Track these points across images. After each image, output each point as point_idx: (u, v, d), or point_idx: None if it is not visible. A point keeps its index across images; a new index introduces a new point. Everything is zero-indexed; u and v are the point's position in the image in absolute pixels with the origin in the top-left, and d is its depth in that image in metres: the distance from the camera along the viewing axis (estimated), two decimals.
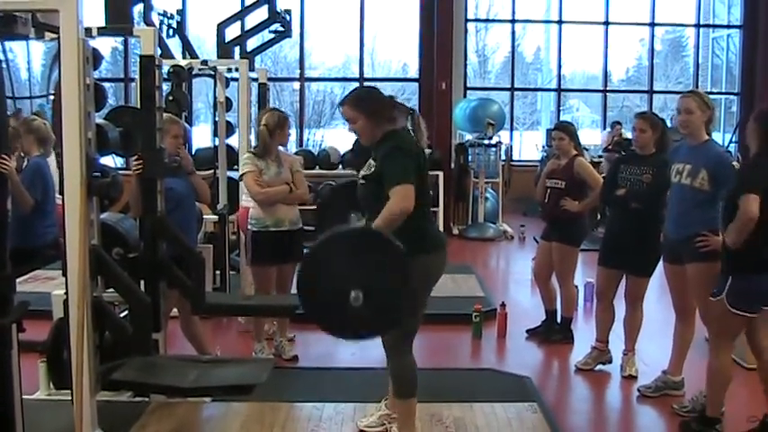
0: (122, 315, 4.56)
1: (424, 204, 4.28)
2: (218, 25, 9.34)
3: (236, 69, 8.04)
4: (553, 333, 6.87)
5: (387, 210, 3.97)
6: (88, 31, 3.98)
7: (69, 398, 4.01)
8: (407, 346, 4.34)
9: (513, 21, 16.45)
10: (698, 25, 17.06)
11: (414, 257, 3.92)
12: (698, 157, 4.97)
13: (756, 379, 4.89)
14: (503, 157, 13.64)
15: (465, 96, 15.36)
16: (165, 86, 6.66)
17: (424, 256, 4.15)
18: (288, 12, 10.28)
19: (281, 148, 6.18)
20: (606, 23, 16.34)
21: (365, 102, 4.33)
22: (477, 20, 17.08)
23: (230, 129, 8.33)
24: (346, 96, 4.40)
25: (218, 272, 7.82)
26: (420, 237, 4.18)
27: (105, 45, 14.62)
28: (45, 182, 5.85)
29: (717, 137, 5.40)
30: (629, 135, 13.26)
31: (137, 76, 4.69)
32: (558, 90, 16.95)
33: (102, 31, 4.33)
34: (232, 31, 9.52)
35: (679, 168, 5.06)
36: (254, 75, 8.58)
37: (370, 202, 4.26)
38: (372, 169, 4.25)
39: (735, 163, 4.94)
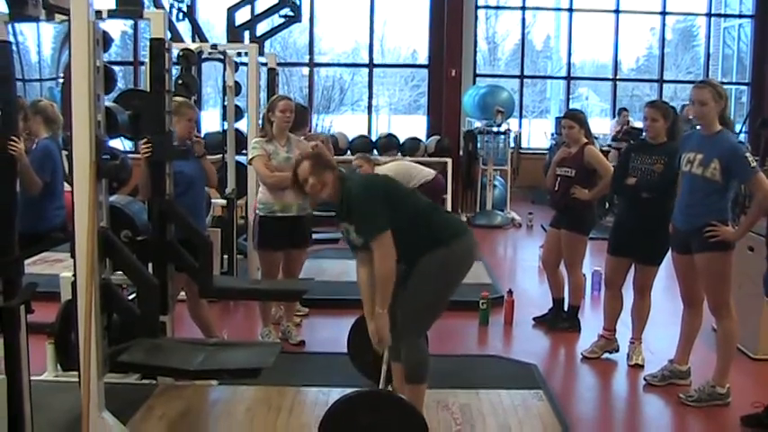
0: (130, 297, 4.58)
1: (416, 209, 4.35)
2: (228, 9, 9.33)
3: (246, 54, 8.04)
4: (560, 321, 6.87)
5: (377, 275, 4.13)
6: (98, 13, 3.98)
7: (77, 379, 4.03)
8: (421, 334, 4.40)
9: (523, 8, 16.40)
10: (709, 14, 16.98)
11: (432, 253, 4.21)
12: (711, 146, 4.94)
13: (761, 369, 4.88)
14: (511, 145, 13.61)
15: (474, 83, 15.33)
16: (175, 70, 6.68)
17: (442, 249, 4.25)
18: None
19: (291, 134, 6.17)
20: (617, 12, 16.28)
21: (323, 162, 4.39)
22: (487, 6, 17.04)
23: (239, 113, 8.33)
24: (312, 170, 4.35)
25: (225, 256, 7.84)
26: (430, 234, 4.28)
27: (115, 28, 14.61)
28: (54, 163, 5.84)
29: None
30: (637, 124, 13.28)
31: (146, 60, 4.69)
32: (568, 78, 16.90)
33: (113, 14, 4.33)
34: (242, 16, 9.50)
35: (690, 157, 5.03)
36: (263, 59, 8.58)
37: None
38: (353, 232, 4.29)
39: (747, 154, 4.89)
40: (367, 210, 4.18)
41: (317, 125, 16.38)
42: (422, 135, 14.59)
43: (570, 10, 16.32)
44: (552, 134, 14.99)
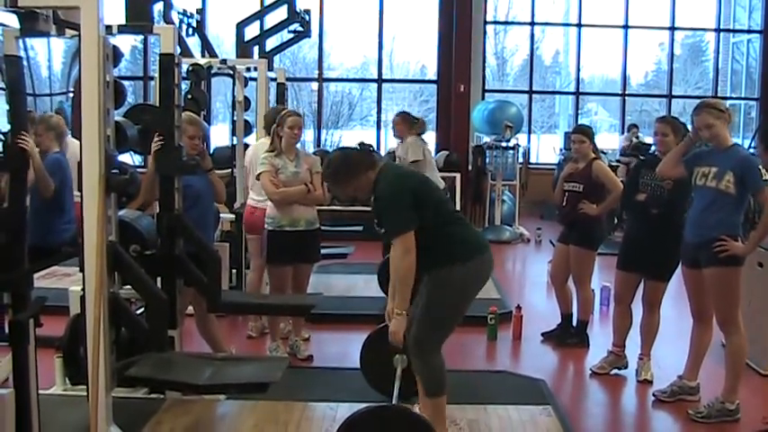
0: (139, 312, 4.59)
1: (441, 217, 4.38)
2: (238, 24, 9.37)
3: (255, 69, 8.07)
4: (568, 336, 6.84)
5: (393, 272, 4.22)
6: (108, 28, 4.00)
7: (85, 393, 4.03)
8: (436, 348, 4.39)
9: (532, 23, 16.44)
10: (718, 30, 16.99)
11: (447, 268, 4.23)
12: (725, 160, 4.94)
13: None
14: (520, 160, 13.62)
15: (483, 99, 15.35)
16: (185, 85, 6.70)
17: (459, 266, 4.27)
18: (307, 12, 10.31)
19: (299, 147, 6.18)
20: (626, 27, 16.29)
21: (342, 173, 4.43)
22: (496, 22, 17.09)
23: (248, 128, 8.36)
24: (326, 176, 4.56)
25: (234, 270, 7.84)
26: (449, 247, 4.30)
27: (125, 43, 14.69)
28: (63, 175, 5.87)
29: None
30: (647, 139, 13.28)
31: (156, 75, 4.71)
32: (577, 93, 16.91)
33: (123, 29, 4.36)
34: (251, 31, 9.55)
35: (704, 171, 5.03)
36: (272, 74, 8.62)
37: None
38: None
39: (761, 166, 4.90)
40: (391, 206, 4.24)
41: (326, 140, 16.42)
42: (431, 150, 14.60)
43: (579, 25, 16.34)
44: (561, 149, 14.99)
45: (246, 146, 8.27)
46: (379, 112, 16.02)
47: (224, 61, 8.25)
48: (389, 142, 16.37)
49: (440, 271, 4.27)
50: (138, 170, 5.59)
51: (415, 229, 4.15)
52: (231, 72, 8.35)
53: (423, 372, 4.37)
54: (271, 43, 10.08)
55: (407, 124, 8.22)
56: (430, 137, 15.62)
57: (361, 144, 4.58)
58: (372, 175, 4.36)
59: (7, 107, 3.97)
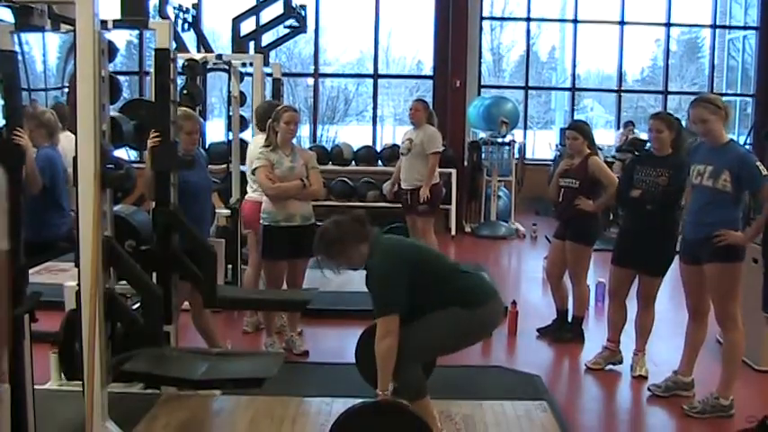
0: (134, 307, 4.59)
1: (443, 275, 4.41)
2: (234, 20, 9.36)
3: (251, 64, 8.06)
4: (564, 332, 6.85)
5: (376, 354, 4.19)
6: (104, 23, 3.99)
7: (80, 388, 4.03)
8: (414, 359, 4.34)
9: (528, 19, 16.40)
10: (714, 26, 16.95)
11: (458, 308, 4.26)
12: (720, 158, 4.95)
13: (765, 381, 4.86)
14: (516, 156, 13.58)
15: (479, 94, 15.32)
16: (180, 80, 6.69)
17: (467, 311, 4.30)
18: (303, 7, 10.30)
19: (295, 142, 6.18)
20: (622, 23, 16.26)
21: (335, 246, 4.42)
22: (492, 18, 17.04)
23: (244, 123, 8.35)
24: (317, 250, 4.50)
25: (229, 266, 7.83)
26: (457, 297, 4.32)
27: (120, 38, 14.66)
28: (54, 170, 5.84)
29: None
30: (642, 136, 13.28)
31: (152, 70, 4.71)
32: (573, 89, 16.87)
33: (118, 24, 4.35)
34: (247, 26, 9.53)
35: (700, 170, 5.03)
36: (268, 70, 8.61)
37: None
38: None
39: (758, 163, 4.91)
40: (380, 283, 4.27)
41: (321, 135, 16.40)
42: None
43: (575, 21, 16.31)
44: (557, 145, 14.99)
45: (242, 141, 8.27)
46: (375, 107, 15.96)
47: (220, 56, 8.23)
48: (385, 137, 16.40)
49: (451, 307, 4.28)
50: (134, 165, 5.58)
51: (419, 288, 4.22)
52: (227, 67, 8.33)
53: (400, 377, 4.28)
54: (267, 38, 10.07)
55: (426, 112, 8.26)
56: None
57: (353, 215, 4.51)
58: (365, 248, 4.36)
59: (2, 102, 3.97)
